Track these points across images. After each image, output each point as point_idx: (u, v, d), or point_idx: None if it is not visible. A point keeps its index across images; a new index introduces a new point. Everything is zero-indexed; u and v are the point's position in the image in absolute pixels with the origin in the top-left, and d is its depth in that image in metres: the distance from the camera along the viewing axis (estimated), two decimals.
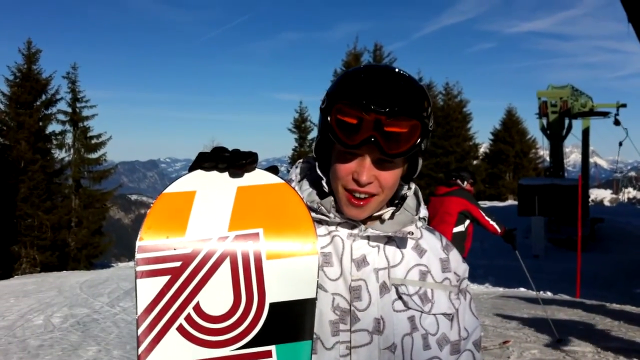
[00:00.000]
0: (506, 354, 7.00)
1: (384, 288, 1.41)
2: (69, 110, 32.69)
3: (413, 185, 1.51)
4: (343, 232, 1.43)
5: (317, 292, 1.23)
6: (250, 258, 1.21)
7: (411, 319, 1.41)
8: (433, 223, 7.31)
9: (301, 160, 1.57)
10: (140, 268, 1.17)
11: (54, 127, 32.19)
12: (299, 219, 1.24)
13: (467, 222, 7.45)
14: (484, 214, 7.47)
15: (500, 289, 12.98)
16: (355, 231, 1.43)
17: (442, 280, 1.49)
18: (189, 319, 1.18)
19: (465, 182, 7.65)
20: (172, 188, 1.22)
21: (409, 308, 1.42)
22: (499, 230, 7.51)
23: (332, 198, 1.43)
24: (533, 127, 49.30)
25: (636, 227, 23.55)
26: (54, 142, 32.03)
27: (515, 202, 27.47)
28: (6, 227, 27.51)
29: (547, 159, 28.04)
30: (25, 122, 29.71)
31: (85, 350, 7.61)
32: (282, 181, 1.26)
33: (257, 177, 1.24)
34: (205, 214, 1.20)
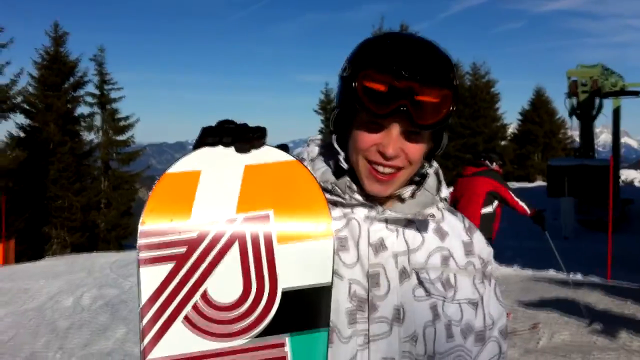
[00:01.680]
0: (536, 337, 6.88)
1: (403, 274, 1.31)
2: (97, 92, 32.92)
3: (435, 164, 1.41)
4: (359, 214, 1.33)
5: (333, 278, 1.15)
6: (260, 242, 1.12)
7: (433, 306, 1.32)
8: (461, 203, 7.22)
9: (313, 138, 1.47)
10: (143, 254, 1.09)
11: (82, 110, 32.52)
12: (312, 199, 1.15)
13: (496, 203, 7.34)
14: (513, 195, 7.35)
15: (529, 271, 12.79)
16: (373, 213, 1.32)
17: (466, 264, 1.39)
18: (196, 308, 1.10)
19: (494, 163, 7.54)
20: (175, 168, 1.13)
21: (431, 295, 1.32)
22: (528, 211, 7.40)
23: (347, 178, 1.33)
24: (562, 107, 48.57)
25: None
26: (83, 124, 32.32)
27: (544, 183, 27.12)
28: (37, 209, 27.92)
29: (577, 139, 27.59)
30: (53, 104, 30.02)
31: (113, 331, 7.66)
32: (292, 159, 1.16)
33: (266, 155, 1.15)
34: (211, 195, 1.12)
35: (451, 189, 6.30)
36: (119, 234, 31.80)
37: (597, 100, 25.44)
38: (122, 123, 33.48)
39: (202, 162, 1.13)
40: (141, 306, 1.09)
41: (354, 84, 1.23)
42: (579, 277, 11.63)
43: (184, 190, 1.12)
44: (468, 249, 1.41)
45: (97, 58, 33.20)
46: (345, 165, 1.33)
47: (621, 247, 15.23)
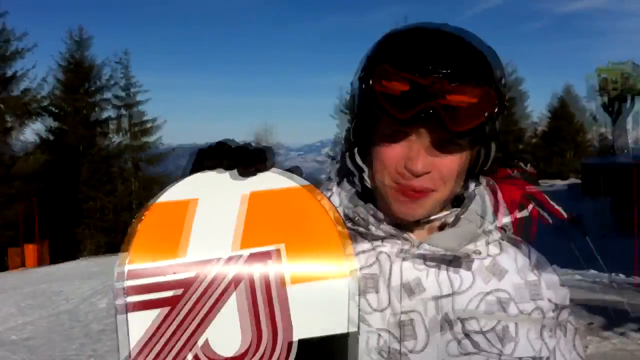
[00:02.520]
0: (584, 343, 6.62)
1: (445, 323, 1.04)
2: (123, 95, 33.37)
3: (482, 181, 1.14)
4: (391, 248, 1.07)
5: (359, 325, 0.95)
6: (270, 282, 0.93)
7: None
8: None
9: (343, 154, 1.20)
10: (131, 298, 0.92)
11: (109, 112, 33.04)
12: (329, 230, 0.95)
13: (530, 207, 7.14)
14: (548, 199, 7.16)
15: (568, 272, 12.39)
16: (407, 247, 1.07)
17: (530, 311, 1.08)
18: None
19: (529, 165, 7.39)
20: (166, 196, 0.95)
21: (480, 350, 1.04)
22: (565, 215, 7.21)
23: (371, 205, 1.08)
24: (591, 105, 48.36)
25: None
26: (110, 126, 32.78)
27: (578, 181, 26.67)
28: (69, 210, 28.27)
29: (609, 136, 27.11)
30: (80, 107, 30.53)
31: None
32: (305, 184, 0.97)
33: (275, 181, 0.96)
34: (210, 228, 0.94)
35: None
36: None
37: (628, 97, 24.94)
38: (149, 125, 33.91)
39: (199, 189, 0.95)
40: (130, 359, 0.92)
41: (369, 84, 0.99)
42: (621, 276, 11.27)
43: (179, 223, 0.94)
44: (534, 291, 1.10)
45: (122, 61, 33.67)
46: (368, 184, 1.10)
47: None
